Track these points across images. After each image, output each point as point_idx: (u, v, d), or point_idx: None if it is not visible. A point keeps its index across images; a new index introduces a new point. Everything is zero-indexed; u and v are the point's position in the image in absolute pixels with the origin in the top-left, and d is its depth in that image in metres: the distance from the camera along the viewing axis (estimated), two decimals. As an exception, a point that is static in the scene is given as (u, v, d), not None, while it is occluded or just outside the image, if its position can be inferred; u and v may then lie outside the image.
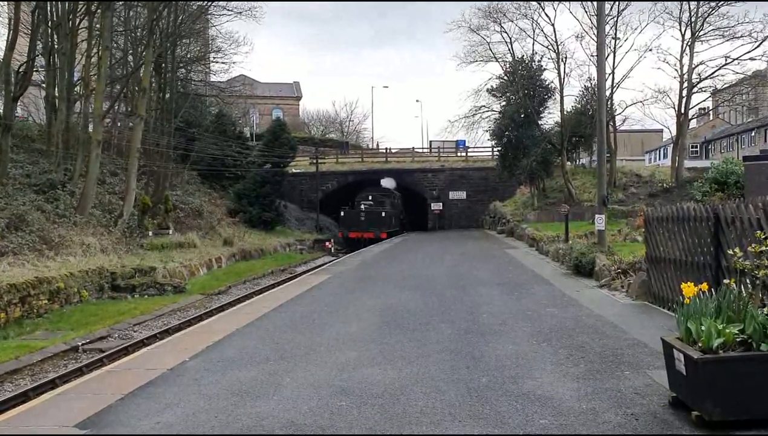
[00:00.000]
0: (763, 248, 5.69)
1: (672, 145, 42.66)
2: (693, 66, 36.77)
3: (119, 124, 37.11)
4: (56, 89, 28.52)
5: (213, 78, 47.70)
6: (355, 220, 40.97)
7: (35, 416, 6.34)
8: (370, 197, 44.11)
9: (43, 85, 31.47)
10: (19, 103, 28.99)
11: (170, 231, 29.07)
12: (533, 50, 40.55)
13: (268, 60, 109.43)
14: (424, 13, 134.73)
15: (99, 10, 28.42)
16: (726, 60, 36.51)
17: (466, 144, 55.28)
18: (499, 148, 42.77)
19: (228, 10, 37.70)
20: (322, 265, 26.56)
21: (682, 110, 37.83)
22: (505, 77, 40.78)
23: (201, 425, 5.79)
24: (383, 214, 41.78)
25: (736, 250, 6.02)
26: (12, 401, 10.12)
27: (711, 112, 63.78)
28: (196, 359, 8.48)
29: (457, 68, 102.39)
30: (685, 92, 37.31)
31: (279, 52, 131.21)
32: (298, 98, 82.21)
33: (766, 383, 5.11)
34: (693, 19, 36.23)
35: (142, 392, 6.93)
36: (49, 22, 28.65)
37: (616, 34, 37.09)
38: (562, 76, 38.82)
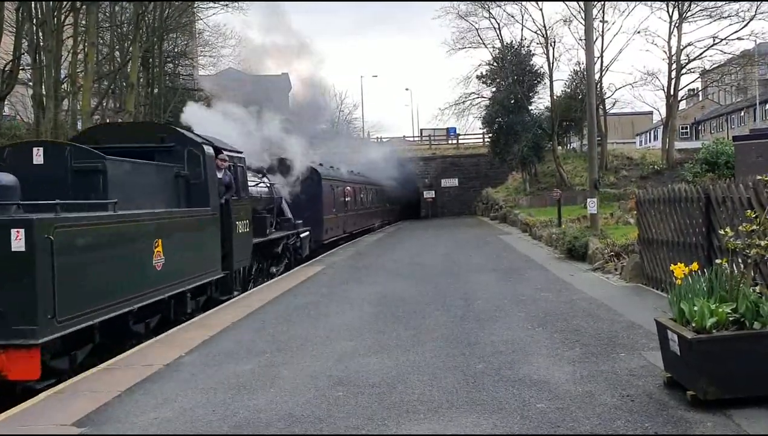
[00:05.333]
0: (754, 227, 5.71)
1: (662, 127, 42.80)
2: (681, 47, 36.91)
3: (108, 121, 36.85)
4: (43, 87, 28.27)
5: (202, 72, 47.39)
6: None
7: (32, 416, 6.31)
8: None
9: (30, 83, 31.17)
10: (6, 102, 28.75)
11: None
12: (522, 36, 40.63)
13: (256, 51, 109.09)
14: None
15: (84, 7, 28.18)
16: (714, 40, 36.70)
17: (457, 131, 55.29)
18: (491, 135, 42.84)
19: (214, 1, 37.47)
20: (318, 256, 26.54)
21: (672, 92, 37.96)
22: (495, 63, 40.77)
23: (199, 419, 5.80)
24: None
25: (728, 229, 6.04)
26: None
27: (700, 93, 64.00)
28: (192, 353, 8.47)
29: (447, 55, 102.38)
30: (674, 74, 37.44)
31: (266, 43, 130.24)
32: (288, 90, 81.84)
33: (759, 360, 5.15)
34: (681, -1, 36.31)
35: (139, 389, 6.92)
36: (34, 20, 28.35)
37: (603, 17, 37.23)
38: (551, 61, 38.91)
